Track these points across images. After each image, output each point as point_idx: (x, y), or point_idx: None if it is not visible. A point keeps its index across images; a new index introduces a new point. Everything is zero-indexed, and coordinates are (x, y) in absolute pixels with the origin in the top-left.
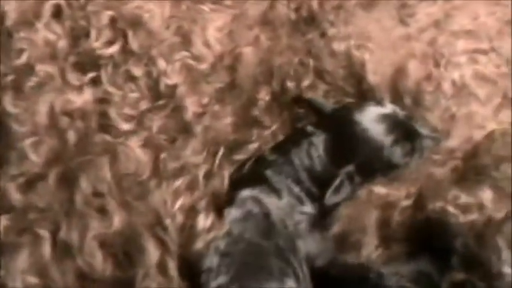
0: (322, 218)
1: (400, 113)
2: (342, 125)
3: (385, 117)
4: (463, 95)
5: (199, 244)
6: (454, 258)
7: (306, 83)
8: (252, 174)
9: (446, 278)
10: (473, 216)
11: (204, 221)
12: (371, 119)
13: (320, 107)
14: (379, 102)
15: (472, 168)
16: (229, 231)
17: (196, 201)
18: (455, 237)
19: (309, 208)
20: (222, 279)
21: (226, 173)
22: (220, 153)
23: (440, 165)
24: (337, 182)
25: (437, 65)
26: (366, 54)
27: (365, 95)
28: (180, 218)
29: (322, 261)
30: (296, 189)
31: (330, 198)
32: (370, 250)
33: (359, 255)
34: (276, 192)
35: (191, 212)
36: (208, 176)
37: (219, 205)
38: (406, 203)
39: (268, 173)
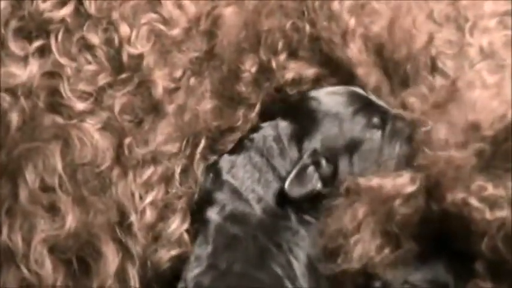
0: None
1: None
2: (296, 106)
3: (343, 91)
4: (492, 64)
5: (166, 253)
6: (479, 264)
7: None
8: (211, 186)
9: (468, 287)
10: (503, 212)
11: (178, 224)
12: (327, 93)
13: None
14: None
15: (502, 153)
16: (213, 263)
17: (172, 199)
18: (480, 238)
19: (293, 219)
20: None
21: None
22: (202, 145)
23: (461, 147)
24: (298, 167)
25: (460, 29)
26: (372, 18)
27: None
28: (150, 216)
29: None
30: (267, 196)
31: (291, 188)
32: (366, 250)
33: (349, 259)
34: (245, 201)
35: (166, 210)
36: (185, 171)
37: None
38: (411, 189)
39: (230, 178)
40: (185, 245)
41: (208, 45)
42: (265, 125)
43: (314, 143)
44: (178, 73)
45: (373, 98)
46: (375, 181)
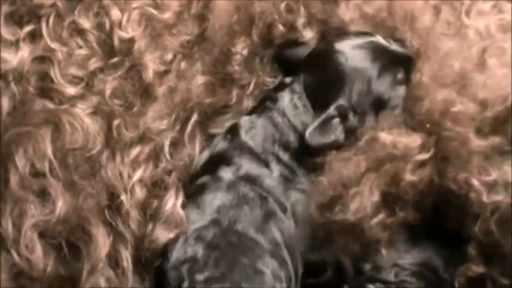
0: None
1: (388, 42)
2: (322, 60)
3: (369, 45)
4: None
5: (164, 232)
6: (471, 247)
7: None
8: (228, 148)
9: (460, 270)
10: (500, 196)
11: (173, 199)
12: (353, 46)
13: (296, 55)
14: (364, 34)
15: (500, 138)
16: (216, 219)
17: (162, 174)
18: (474, 219)
19: (305, 183)
20: (210, 273)
21: (198, 146)
22: (194, 119)
23: (470, 118)
24: (323, 116)
25: (456, 13)
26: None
27: None
28: (140, 194)
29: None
30: (285, 158)
31: (313, 136)
32: (363, 205)
33: (347, 209)
34: (263, 164)
35: (155, 187)
36: (175, 144)
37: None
38: (423, 157)
39: (249, 140)
40: (181, 223)
41: (199, 29)
42: (289, 80)
43: (342, 97)
44: (169, 56)
45: (394, 47)
46: (389, 138)
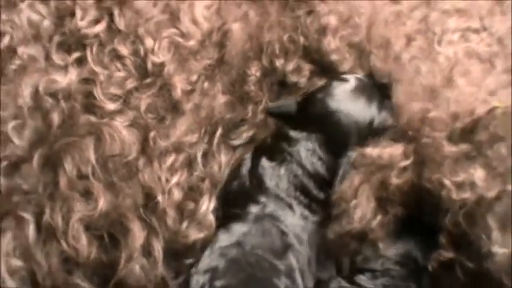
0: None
1: (363, 77)
2: (324, 120)
3: (356, 91)
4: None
5: (196, 231)
6: (442, 236)
7: (292, 63)
8: (255, 189)
9: (433, 256)
10: (466, 194)
11: (207, 203)
12: (346, 99)
13: (284, 109)
14: (342, 79)
15: (467, 144)
16: (240, 242)
17: (197, 181)
18: (445, 213)
19: (318, 217)
20: (227, 282)
21: (224, 157)
22: (219, 132)
23: (444, 128)
24: (341, 171)
25: (429, 42)
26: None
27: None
28: (177, 196)
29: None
30: (305, 201)
31: (338, 185)
32: (364, 214)
33: (351, 219)
34: (288, 206)
35: (191, 191)
36: (206, 155)
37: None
38: (405, 163)
39: (271, 185)
40: (211, 227)
41: (219, 54)
42: (298, 136)
43: (351, 150)
44: (194, 77)
45: (374, 80)
46: (375, 151)
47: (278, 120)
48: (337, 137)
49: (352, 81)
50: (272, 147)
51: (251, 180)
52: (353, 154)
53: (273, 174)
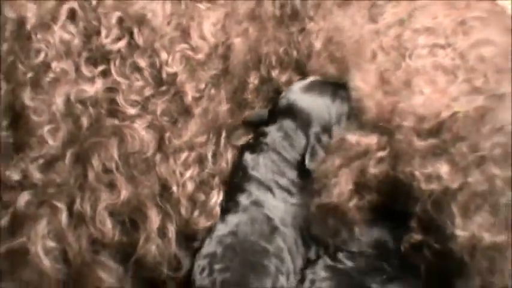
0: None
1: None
2: (288, 109)
3: (311, 85)
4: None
5: (204, 220)
6: (413, 221)
7: (285, 75)
8: (239, 182)
9: (404, 239)
10: (433, 185)
11: (216, 196)
12: (303, 90)
13: (258, 117)
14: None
15: (434, 142)
16: (234, 231)
17: (208, 177)
18: (415, 201)
19: (296, 198)
20: (225, 265)
21: (230, 155)
22: (223, 135)
23: (413, 130)
24: (309, 147)
25: (402, 55)
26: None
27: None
28: (190, 188)
29: None
30: (283, 182)
31: (310, 162)
32: (342, 191)
33: (330, 194)
34: (267, 189)
35: (202, 185)
36: (215, 154)
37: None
38: (381, 154)
39: (254, 174)
40: (216, 217)
41: (223, 65)
42: (270, 128)
43: (314, 127)
44: (202, 85)
45: (330, 81)
46: (354, 137)
47: (252, 126)
48: (299, 120)
49: (308, 79)
50: (252, 143)
51: (238, 173)
52: (320, 133)
53: (254, 163)
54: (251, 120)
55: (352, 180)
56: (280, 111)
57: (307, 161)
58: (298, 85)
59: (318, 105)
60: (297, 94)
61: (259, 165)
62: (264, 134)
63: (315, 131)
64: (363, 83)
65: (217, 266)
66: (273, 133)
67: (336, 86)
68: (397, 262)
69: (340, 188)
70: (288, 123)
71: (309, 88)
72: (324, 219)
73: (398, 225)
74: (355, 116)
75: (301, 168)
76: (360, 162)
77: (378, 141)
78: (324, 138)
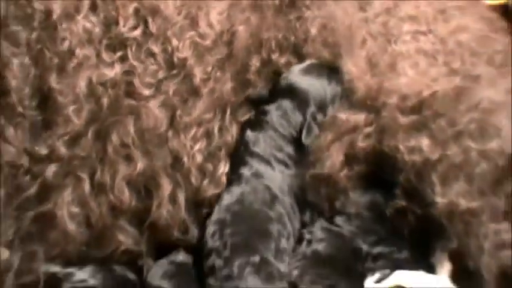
0: (301, 158)
1: (314, 60)
2: (287, 90)
3: (309, 67)
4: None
5: (213, 188)
6: (398, 189)
7: (284, 58)
8: (241, 156)
9: (391, 205)
10: (415, 157)
11: (223, 167)
12: (302, 73)
13: (260, 96)
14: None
15: (416, 118)
16: (240, 200)
17: (215, 149)
18: (399, 171)
19: (292, 169)
20: (234, 229)
21: (235, 130)
22: (228, 112)
23: (397, 107)
24: (306, 125)
25: (388, 41)
26: (333, 33)
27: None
28: (199, 159)
29: None
30: (280, 156)
31: (306, 139)
32: (334, 163)
33: (323, 166)
34: (267, 162)
35: (210, 157)
36: (221, 129)
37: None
38: (368, 130)
39: (254, 149)
40: (223, 186)
41: (228, 50)
42: (270, 107)
43: (311, 107)
44: (209, 68)
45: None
46: (345, 115)
47: (255, 103)
48: (297, 100)
49: (307, 62)
50: (253, 120)
51: (241, 147)
52: (316, 112)
53: (255, 139)
54: (253, 98)
55: (342, 153)
56: (279, 91)
57: (303, 137)
58: (297, 68)
59: (315, 87)
60: (297, 76)
61: (260, 141)
62: (265, 113)
63: (312, 111)
64: (354, 67)
65: (227, 231)
66: (272, 112)
67: (331, 70)
68: (385, 225)
69: (332, 159)
70: (287, 103)
71: (308, 71)
72: (318, 187)
73: (385, 193)
74: (347, 97)
75: (297, 143)
76: (349, 136)
77: (365, 118)
78: (319, 116)
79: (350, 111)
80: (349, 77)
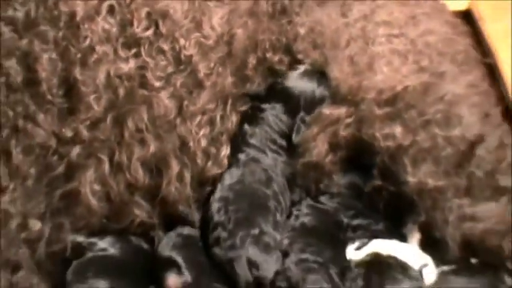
0: (292, 152)
1: (305, 67)
2: (282, 94)
3: (303, 74)
4: (386, 60)
5: (216, 168)
6: (374, 171)
7: (277, 56)
8: (239, 144)
9: (368, 184)
10: (390, 142)
11: (225, 150)
12: (296, 79)
13: (257, 93)
14: (295, 68)
15: (390, 110)
16: (240, 180)
17: (217, 135)
18: (376, 155)
19: (284, 157)
20: (237, 206)
21: (234, 118)
22: (229, 102)
23: (375, 99)
24: (295, 126)
25: (366, 43)
26: (319, 35)
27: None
28: (203, 143)
29: None
30: (274, 147)
31: (295, 138)
32: (320, 152)
33: (311, 155)
34: (262, 152)
35: (213, 141)
36: (223, 117)
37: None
38: (348, 120)
39: (251, 140)
40: (225, 167)
41: (228, 49)
42: (266, 106)
43: (301, 113)
44: (211, 65)
45: (316, 70)
46: (328, 110)
47: (252, 99)
48: (291, 104)
49: (301, 68)
50: (250, 115)
51: (239, 138)
52: (305, 116)
53: (251, 132)
54: (251, 95)
55: (327, 142)
56: (275, 94)
57: (293, 137)
58: (292, 74)
59: (306, 93)
60: (291, 82)
61: (256, 134)
62: (261, 110)
63: (301, 116)
64: (339, 73)
65: (230, 207)
66: (268, 111)
67: (321, 75)
68: (364, 201)
69: (319, 148)
70: (280, 107)
71: (301, 77)
72: (307, 173)
73: (363, 174)
74: (332, 97)
75: (288, 138)
76: (332, 127)
77: (346, 111)
78: (307, 118)
79: (333, 106)
80: (335, 83)
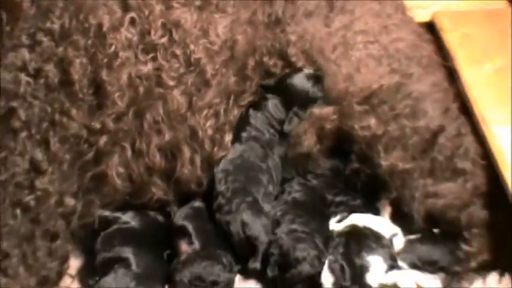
0: (283, 137)
1: (308, 70)
2: (286, 89)
3: (305, 75)
4: (363, 63)
5: (223, 152)
6: (353, 156)
7: (272, 60)
8: (243, 124)
9: (348, 167)
10: (366, 132)
11: (228, 137)
12: (299, 78)
13: (268, 84)
14: (298, 70)
15: (367, 105)
16: (240, 155)
17: (222, 125)
18: (354, 143)
19: (279, 139)
20: (235, 177)
21: (236, 111)
22: (232, 98)
23: (354, 96)
24: (288, 117)
25: (347, 49)
26: (306, 42)
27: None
28: (210, 132)
29: None
30: (271, 130)
31: (286, 127)
32: (310, 143)
33: (303, 146)
34: (261, 132)
35: (218, 130)
36: (226, 111)
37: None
38: (333, 117)
39: (253, 122)
40: (228, 150)
41: (230, 53)
42: (270, 96)
43: (295, 107)
44: (217, 66)
45: (313, 72)
46: (317, 110)
47: (263, 88)
48: (287, 100)
49: (305, 70)
50: (256, 103)
51: (243, 119)
52: (298, 110)
53: (254, 115)
54: (262, 84)
55: (315, 134)
56: (279, 87)
57: (285, 126)
58: (299, 74)
59: (303, 90)
60: (294, 80)
61: (258, 117)
62: (265, 99)
63: (294, 110)
64: (331, 83)
65: (229, 178)
66: (270, 101)
67: (318, 78)
68: (344, 181)
69: (309, 141)
70: (279, 99)
71: (303, 77)
72: (299, 161)
73: (344, 159)
74: (323, 99)
75: (281, 128)
76: (320, 122)
77: (333, 110)
78: (301, 112)
79: (322, 106)
80: (327, 89)
